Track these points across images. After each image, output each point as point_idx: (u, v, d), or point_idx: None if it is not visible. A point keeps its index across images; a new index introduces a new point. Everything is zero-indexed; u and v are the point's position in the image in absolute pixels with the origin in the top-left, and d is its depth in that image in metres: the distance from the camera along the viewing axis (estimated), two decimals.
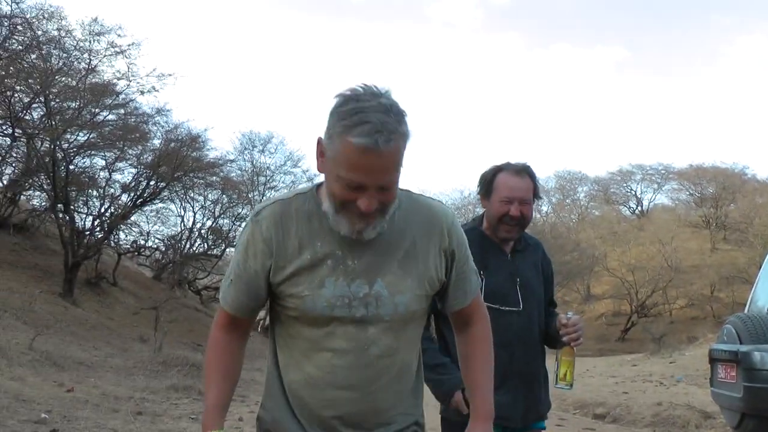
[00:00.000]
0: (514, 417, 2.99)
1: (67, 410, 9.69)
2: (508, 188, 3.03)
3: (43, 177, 22.55)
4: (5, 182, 25.65)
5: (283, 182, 34.29)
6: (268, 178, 33.73)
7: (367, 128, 1.72)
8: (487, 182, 3.10)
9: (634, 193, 61.15)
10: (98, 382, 12.58)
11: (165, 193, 27.19)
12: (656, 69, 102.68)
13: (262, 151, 33.76)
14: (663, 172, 56.97)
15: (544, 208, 60.80)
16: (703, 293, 44.52)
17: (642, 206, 60.70)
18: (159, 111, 24.87)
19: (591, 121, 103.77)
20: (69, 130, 21.25)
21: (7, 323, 14.24)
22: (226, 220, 32.94)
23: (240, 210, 32.81)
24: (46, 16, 20.10)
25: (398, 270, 1.96)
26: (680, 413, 11.30)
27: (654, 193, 59.83)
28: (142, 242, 30.53)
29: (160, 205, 29.05)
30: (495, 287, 3.00)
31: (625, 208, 62.38)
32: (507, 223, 3.04)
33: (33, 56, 19.82)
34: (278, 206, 1.98)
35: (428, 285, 2.02)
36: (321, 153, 1.88)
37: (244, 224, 2.15)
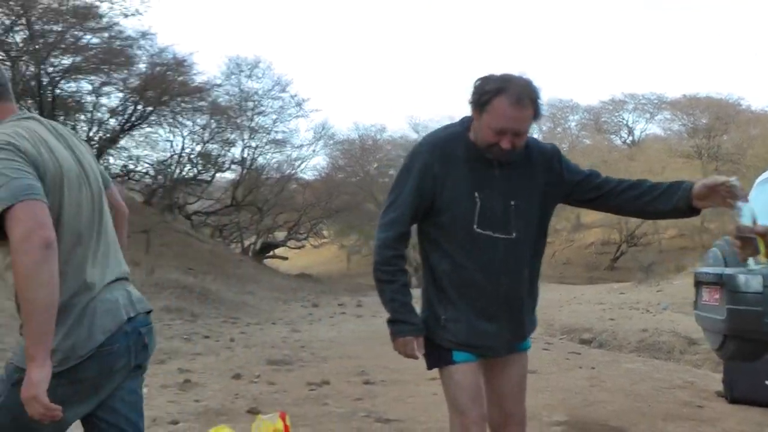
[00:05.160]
0: (498, 347, 2.90)
1: None
2: (503, 118, 2.65)
3: (29, 101, 22.23)
4: None
5: (271, 107, 34.01)
6: (255, 103, 33.28)
7: None
8: (483, 100, 2.68)
9: (625, 122, 60.71)
10: None
11: (153, 118, 26.96)
12: None
13: (250, 76, 33.13)
14: (656, 101, 56.41)
15: (535, 136, 60.51)
16: (694, 224, 44.48)
17: (633, 136, 60.33)
18: (143, 35, 24.26)
19: (583, 48, 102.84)
20: (53, 53, 20.92)
21: None
22: (215, 146, 32.75)
23: (229, 135, 32.55)
24: None
25: None
26: (665, 339, 11.48)
27: (646, 122, 59.42)
28: (132, 167, 30.43)
29: (149, 129, 28.82)
30: (486, 211, 2.76)
31: (617, 137, 61.96)
32: (495, 152, 2.73)
33: None
34: None
35: None
36: None
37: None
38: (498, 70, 2.72)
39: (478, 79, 2.73)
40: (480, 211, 2.77)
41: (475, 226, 2.77)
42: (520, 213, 2.83)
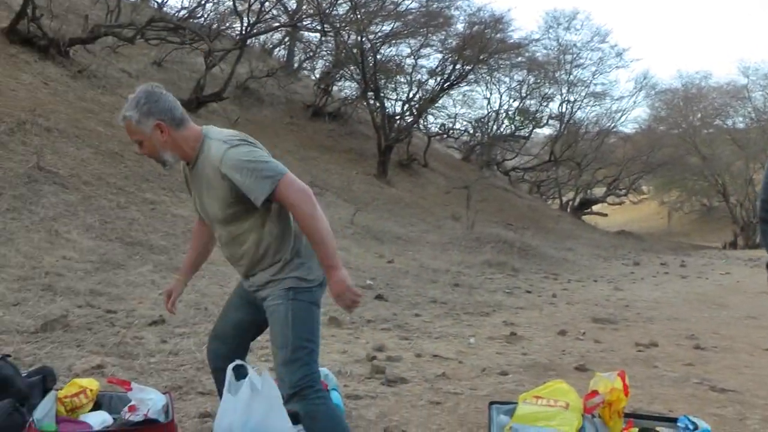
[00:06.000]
0: None
1: (389, 278, 10.40)
2: None
3: (352, 67, 23.93)
4: (318, 75, 27.65)
5: (590, 59, 33.24)
6: (574, 56, 32.71)
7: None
8: None
9: None
10: (416, 255, 13.27)
11: (471, 76, 27.42)
12: None
13: (568, 29, 32.66)
14: None
15: None
16: None
17: None
18: None
19: None
20: (373, 21, 22.03)
21: (329, 200, 15.44)
22: (532, 101, 32.72)
23: (546, 90, 32.31)
24: None
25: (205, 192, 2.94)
26: None
27: None
28: (450, 125, 31.36)
29: (466, 88, 29.47)
30: None
31: None
32: None
33: None
34: None
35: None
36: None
37: None
38: None
39: None
40: None
41: None
42: None
